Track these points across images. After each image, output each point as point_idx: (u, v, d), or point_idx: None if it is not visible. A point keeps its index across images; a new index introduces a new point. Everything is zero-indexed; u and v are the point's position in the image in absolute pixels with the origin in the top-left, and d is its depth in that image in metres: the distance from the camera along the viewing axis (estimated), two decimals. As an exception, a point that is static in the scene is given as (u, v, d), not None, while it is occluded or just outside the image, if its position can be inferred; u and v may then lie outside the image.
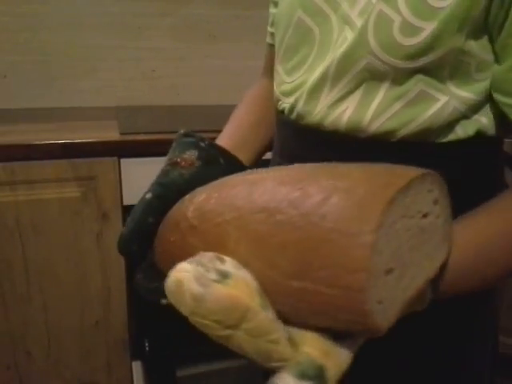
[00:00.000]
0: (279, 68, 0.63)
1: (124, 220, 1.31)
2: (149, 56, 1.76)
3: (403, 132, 0.49)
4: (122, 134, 1.31)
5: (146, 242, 0.51)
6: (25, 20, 1.61)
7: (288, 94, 0.60)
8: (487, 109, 0.49)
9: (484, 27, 0.45)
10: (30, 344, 1.33)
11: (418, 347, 0.58)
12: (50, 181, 1.23)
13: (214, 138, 1.34)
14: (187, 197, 0.49)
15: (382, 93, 0.48)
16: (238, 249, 0.40)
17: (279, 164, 0.63)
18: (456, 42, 0.44)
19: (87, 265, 1.31)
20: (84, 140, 1.25)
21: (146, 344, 1.46)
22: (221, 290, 0.36)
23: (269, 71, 0.77)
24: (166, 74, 1.79)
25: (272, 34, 0.73)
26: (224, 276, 0.37)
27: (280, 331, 0.37)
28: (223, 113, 0.81)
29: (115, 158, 1.27)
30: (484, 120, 0.49)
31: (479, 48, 0.46)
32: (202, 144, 0.58)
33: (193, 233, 0.44)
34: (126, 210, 1.31)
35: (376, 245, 0.35)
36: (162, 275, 0.41)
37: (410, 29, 0.44)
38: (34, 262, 1.27)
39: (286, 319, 0.39)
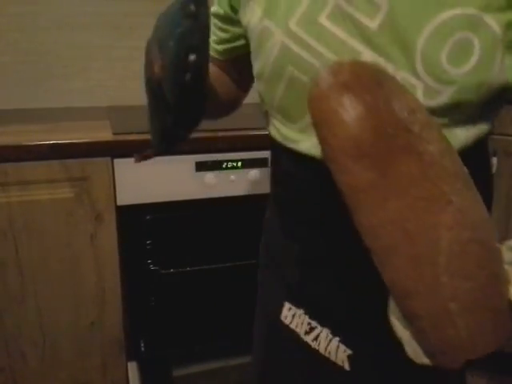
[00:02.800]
0: (277, 123, 0.66)
1: (118, 221, 1.31)
2: (140, 55, 1.71)
3: None
4: (114, 133, 1.31)
5: None
6: (15, 20, 1.60)
7: (299, 139, 0.63)
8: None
9: None
10: (24, 345, 1.33)
11: None
12: (42, 182, 1.23)
13: (207, 137, 1.34)
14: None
15: None
16: None
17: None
18: (468, 99, 0.52)
19: (81, 266, 1.31)
20: (76, 140, 1.24)
21: (142, 344, 1.46)
22: None
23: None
24: (158, 73, 1.78)
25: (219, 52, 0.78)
26: None
27: None
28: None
29: (108, 159, 1.26)
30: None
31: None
32: None
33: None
34: (120, 210, 1.31)
35: None
36: None
37: (431, 92, 0.52)
38: (27, 264, 1.27)
39: None
